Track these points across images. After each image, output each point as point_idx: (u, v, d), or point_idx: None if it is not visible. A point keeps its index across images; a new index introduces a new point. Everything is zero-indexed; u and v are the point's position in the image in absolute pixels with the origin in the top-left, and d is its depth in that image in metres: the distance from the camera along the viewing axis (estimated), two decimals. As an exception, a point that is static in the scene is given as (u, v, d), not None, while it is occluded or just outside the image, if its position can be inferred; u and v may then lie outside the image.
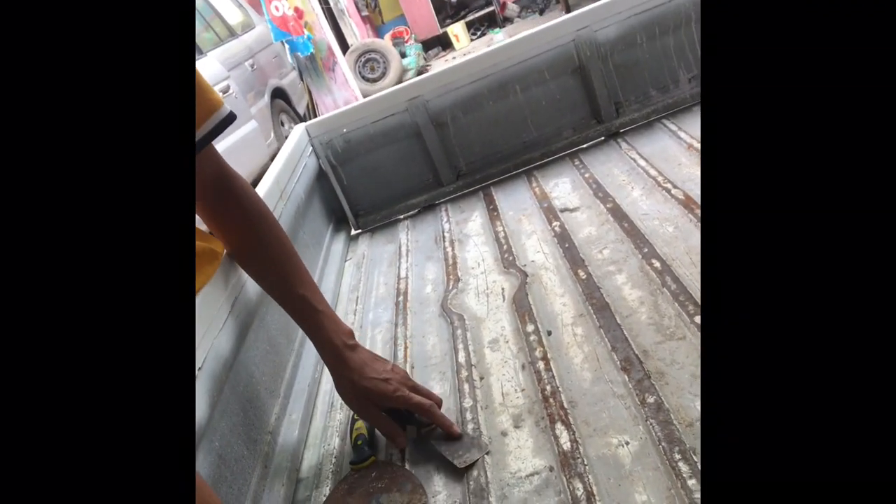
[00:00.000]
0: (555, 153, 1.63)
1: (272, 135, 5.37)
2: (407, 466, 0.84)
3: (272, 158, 5.41)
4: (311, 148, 1.61)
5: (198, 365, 0.73)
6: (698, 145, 1.39)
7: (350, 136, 1.62)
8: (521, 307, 1.08)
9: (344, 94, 5.52)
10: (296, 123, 6.12)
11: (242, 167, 4.04)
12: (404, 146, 1.64)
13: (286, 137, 6.03)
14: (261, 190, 1.21)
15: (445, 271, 1.31)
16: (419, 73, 8.38)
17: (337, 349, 0.88)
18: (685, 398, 0.77)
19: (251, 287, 0.97)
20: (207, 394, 0.74)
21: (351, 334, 0.92)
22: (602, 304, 1.00)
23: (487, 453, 0.80)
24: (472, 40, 9.34)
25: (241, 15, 5.60)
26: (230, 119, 0.86)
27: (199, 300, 0.81)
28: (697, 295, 0.93)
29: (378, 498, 0.79)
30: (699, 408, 0.75)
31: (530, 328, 1.02)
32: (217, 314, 0.84)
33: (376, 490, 0.81)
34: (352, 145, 1.63)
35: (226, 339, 0.85)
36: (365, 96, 6.80)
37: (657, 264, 1.04)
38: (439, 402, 0.89)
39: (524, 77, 1.59)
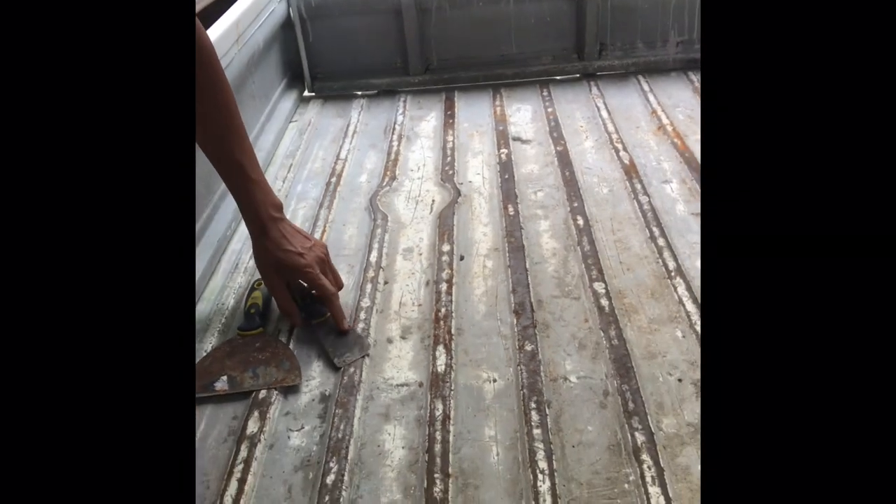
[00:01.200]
0: (527, 76, 1.60)
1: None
2: (291, 346, 0.88)
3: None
4: (283, -7, 1.51)
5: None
6: (661, 113, 1.40)
7: (328, -8, 1.53)
8: (445, 225, 1.10)
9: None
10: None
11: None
12: (381, 21, 1.57)
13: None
14: (217, 28, 1.14)
15: (385, 165, 1.30)
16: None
17: (262, 220, 0.89)
18: (559, 354, 0.83)
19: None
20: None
21: (279, 207, 0.92)
22: (518, 245, 1.04)
23: (367, 356, 0.85)
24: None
25: None
26: None
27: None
28: (604, 262, 0.98)
29: (255, 368, 0.83)
30: (568, 367, 0.81)
31: (446, 248, 1.05)
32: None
33: (256, 360, 0.85)
34: (328, 3, 1.54)
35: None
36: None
37: (580, 221, 1.08)
38: (340, 287, 0.93)
39: (521, -12, 1.53)
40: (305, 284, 0.91)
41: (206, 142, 0.89)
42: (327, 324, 0.89)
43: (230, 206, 1.14)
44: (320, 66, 1.62)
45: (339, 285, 0.94)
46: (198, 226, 1.04)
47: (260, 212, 0.89)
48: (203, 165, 1.03)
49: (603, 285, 0.94)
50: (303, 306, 0.91)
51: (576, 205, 1.12)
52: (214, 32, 1.12)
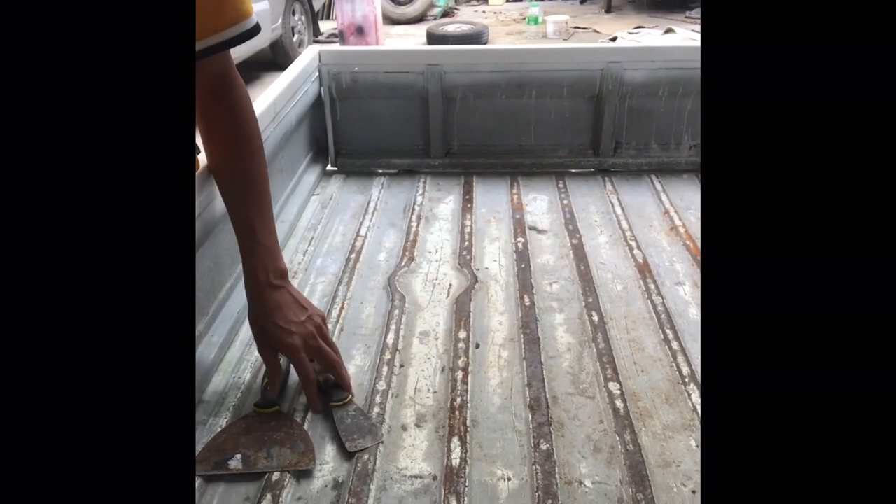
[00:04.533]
0: (543, 167, 1.66)
1: (279, 21, 5.17)
2: (306, 427, 0.88)
3: (271, 45, 5.20)
4: (317, 74, 1.58)
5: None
6: (674, 214, 1.44)
7: (359, 76, 1.60)
8: (461, 311, 1.12)
9: (364, 8, 5.33)
10: (307, 17, 5.90)
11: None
12: (407, 106, 1.64)
13: (293, 28, 5.81)
14: (257, 107, 1.19)
15: (403, 245, 1.33)
16: (445, 14, 8.17)
17: (260, 285, 0.88)
18: (573, 456, 0.83)
19: (218, 206, 0.97)
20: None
21: (283, 274, 0.91)
22: (533, 338, 1.05)
23: (381, 443, 0.85)
24: (507, 1, 9.15)
25: None
26: (254, 31, 0.86)
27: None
28: (619, 361, 1.00)
29: (270, 448, 0.83)
30: (583, 470, 0.81)
31: (462, 334, 1.06)
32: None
33: (271, 440, 0.84)
34: (358, 86, 1.61)
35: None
36: (385, 17, 6.59)
37: (595, 318, 1.10)
38: (335, 363, 0.91)
39: (543, 85, 1.60)
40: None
41: (229, 201, 0.92)
42: (345, 408, 0.89)
43: (252, 277, 1.16)
44: (345, 143, 1.68)
45: (333, 362, 0.91)
46: (220, 295, 1.06)
47: (258, 275, 0.88)
48: (232, 236, 1.05)
49: (618, 386, 0.94)
50: (324, 389, 0.91)
51: (590, 300, 1.15)
52: (256, 108, 1.17)
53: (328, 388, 0.91)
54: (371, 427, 0.87)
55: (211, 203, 0.96)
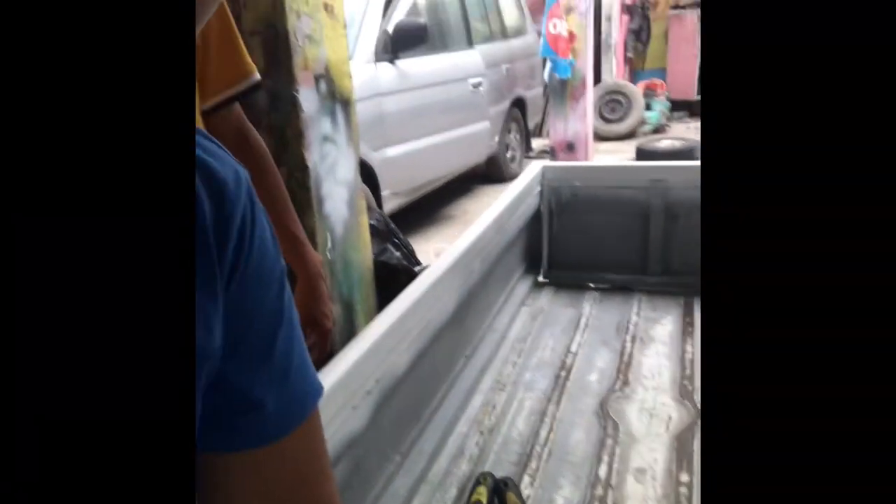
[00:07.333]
0: (779, 294, 1.49)
1: (496, 138, 5.52)
2: (510, 559, 0.82)
3: (486, 160, 5.57)
4: (539, 188, 1.62)
5: (375, 378, 0.77)
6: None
7: (579, 191, 1.61)
8: (684, 450, 1.00)
9: (577, 127, 5.49)
10: (521, 135, 6.24)
11: (461, 158, 4.19)
12: (626, 221, 1.60)
13: (507, 145, 6.11)
14: (483, 221, 1.24)
15: (617, 367, 1.26)
16: (656, 130, 8.14)
17: (314, 276, 0.93)
18: None
19: (442, 312, 1.00)
20: (373, 407, 0.78)
21: (321, 264, 0.97)
22: (775, 495, 0.90)
23: None
24: (724, 117, 8.88)
25: (519, 19, 5.79)
26: (258, 85, 0.90)
27: (395, 321, 0.86)
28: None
29: None
30: None
31: (685, 478, 0.94)
32: (404, 337, 0.88)
33: None
34: (578, 200, 1.62)
35: (404, 359, 0.88)
36: (596, 135, 6.74)
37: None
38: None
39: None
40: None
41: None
42: None
43: (462, 384, 1.16)
44: (558, 255, 1.67)
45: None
46: (433, 403, 1.07)
47: (316, 266, 0.94)
48: (450, 343, 1.07)
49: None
50: None
51: (847, 458, 0.96)
52: (481, 224, 1.22)
53: None
54: None
55: (438, 311, 0.99)
